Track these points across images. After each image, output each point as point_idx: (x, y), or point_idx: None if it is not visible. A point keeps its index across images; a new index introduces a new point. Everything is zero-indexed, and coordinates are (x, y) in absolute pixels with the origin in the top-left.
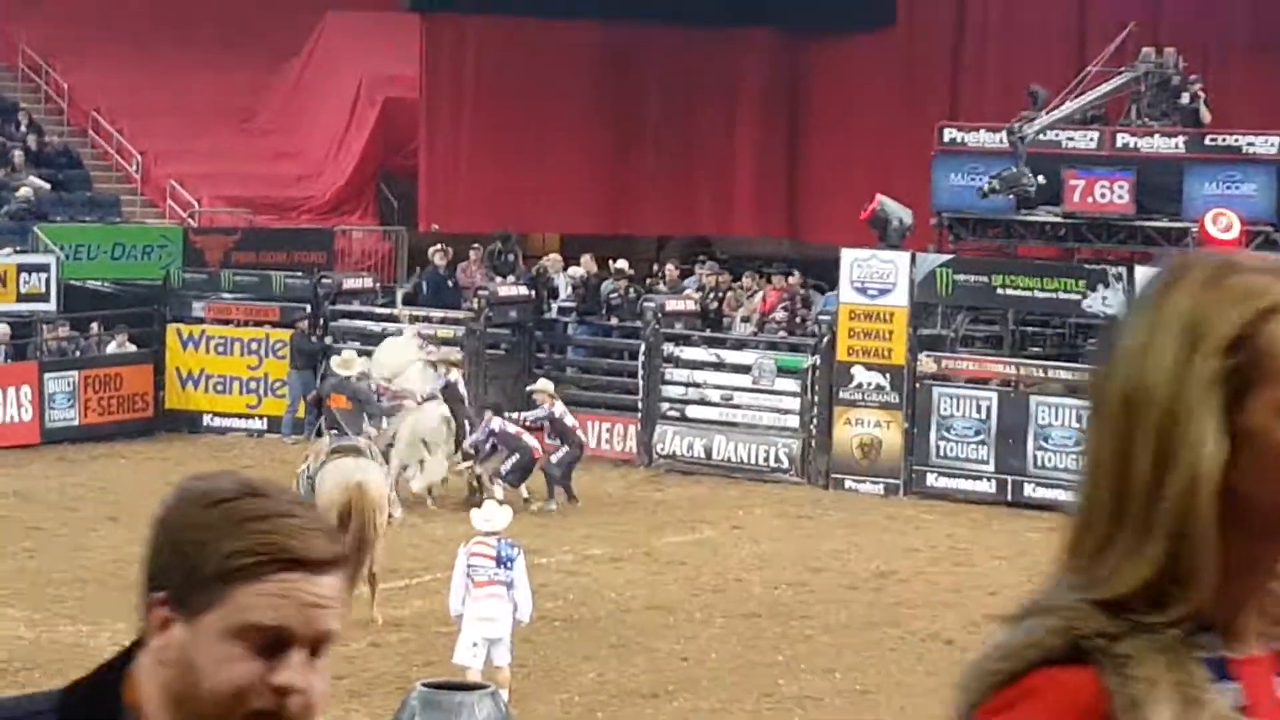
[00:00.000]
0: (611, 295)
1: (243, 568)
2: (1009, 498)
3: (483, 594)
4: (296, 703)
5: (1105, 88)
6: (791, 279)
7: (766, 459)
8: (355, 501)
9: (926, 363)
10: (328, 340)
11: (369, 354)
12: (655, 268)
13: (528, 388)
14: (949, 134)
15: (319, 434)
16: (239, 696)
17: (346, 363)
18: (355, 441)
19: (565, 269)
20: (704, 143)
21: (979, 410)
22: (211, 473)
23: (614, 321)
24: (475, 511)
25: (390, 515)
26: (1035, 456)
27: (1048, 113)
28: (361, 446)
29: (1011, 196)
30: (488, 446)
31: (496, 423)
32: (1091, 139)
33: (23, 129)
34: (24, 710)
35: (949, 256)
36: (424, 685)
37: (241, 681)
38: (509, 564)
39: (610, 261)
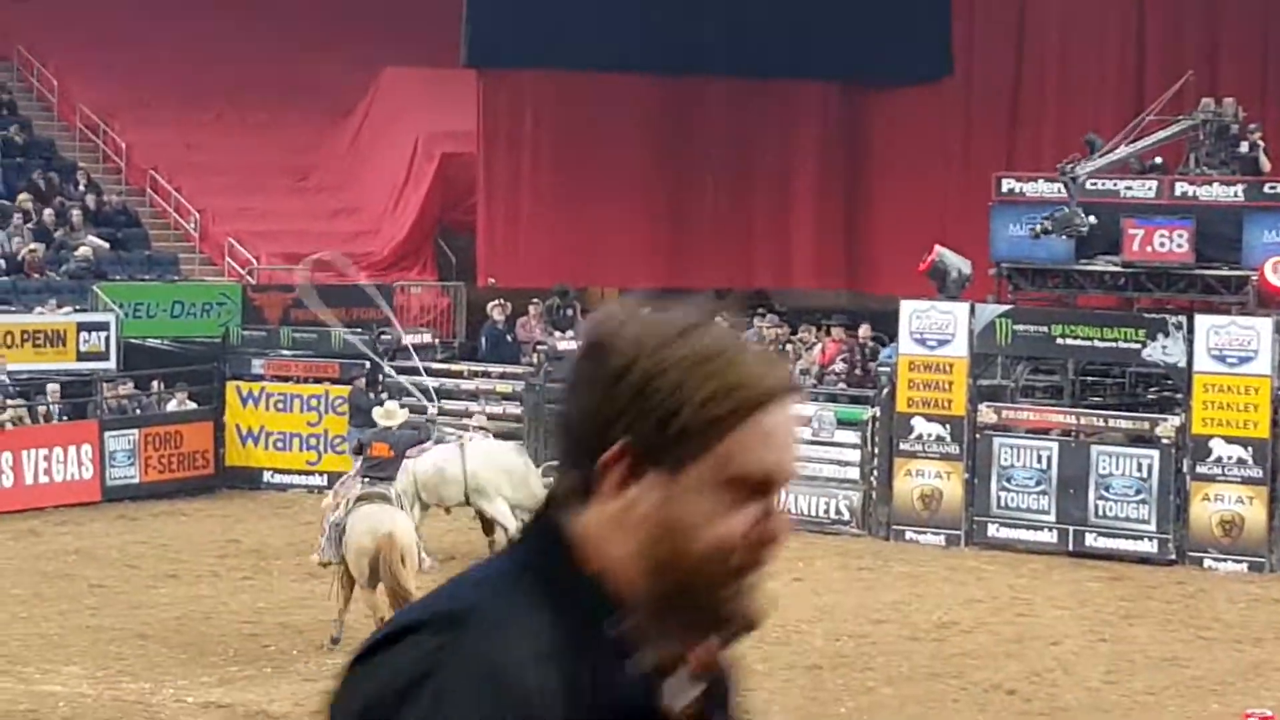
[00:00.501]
0: None
1: (727, 413)
2: (1070, 547)
3: None
4: (774, 551)
5: (1161, 134)
6: (862, 330)
7: (827, 511)
8: (385, 551)
9: (986, 413)
10: (384, 396)
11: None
12: None
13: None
14: (1007, 184)
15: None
16: (729, 551)
17: (389, 414)
18: (384, 489)
19: None
20: (762, 195)
21: (1039, 460)
22: (647, 312)
23: None
24: None
25: (421, 561)
26: (1096, 506)
27: (1101, 156)
28: (390, 494)
29: (1065, 236)
30: None
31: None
32: (1150, 188)
33: (81, 188)
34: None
35: (1008, 307)
36: None
37: (735, 535)
38: None
39: None
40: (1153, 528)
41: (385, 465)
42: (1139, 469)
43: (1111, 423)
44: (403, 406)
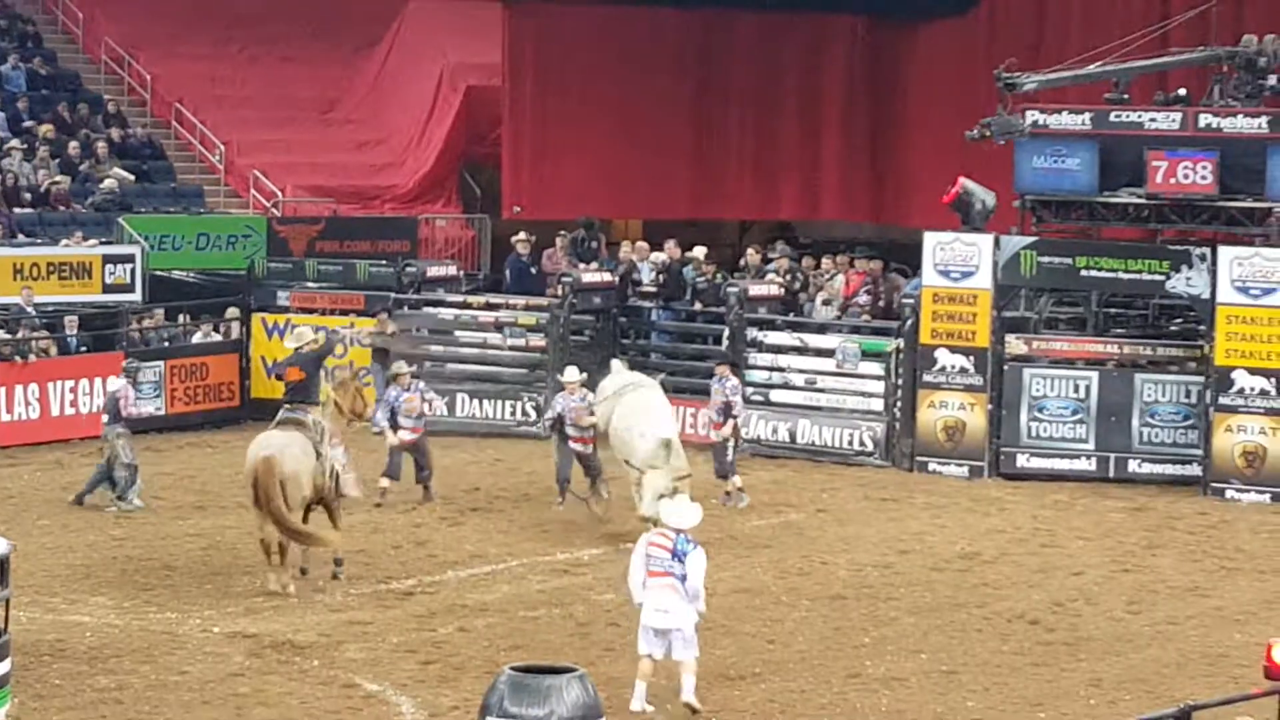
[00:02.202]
0: (696, 280)
1: None
2: (1110, 474)
3: (656, 584)
4: None
5: (1171, 59)
6: (874, 263)
7: (851, 442)
8: (260, 475)
9: (1015, 344)
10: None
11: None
12: (744, 253)
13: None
14: (1031, 116)
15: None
16: None
17: (298, 337)
18: (299, 414)
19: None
20: (788, 128)
21: (1076, 390)
22: None
23: (698, 307)
24: (667, 502)
25: (340, 492)
26: (1141, 433)
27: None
28: (306, 419)
29: (1004, 141)
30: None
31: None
32: (1174, 120)
33: (107, 121)
34: None
35: (1032, 239)
36: (512, 669)
37: None
38: (683, 558)
39: (693, 249)
40: (1201, 452)
41: (301, 388)
42: (1185, 394)
43: (1137, 351)
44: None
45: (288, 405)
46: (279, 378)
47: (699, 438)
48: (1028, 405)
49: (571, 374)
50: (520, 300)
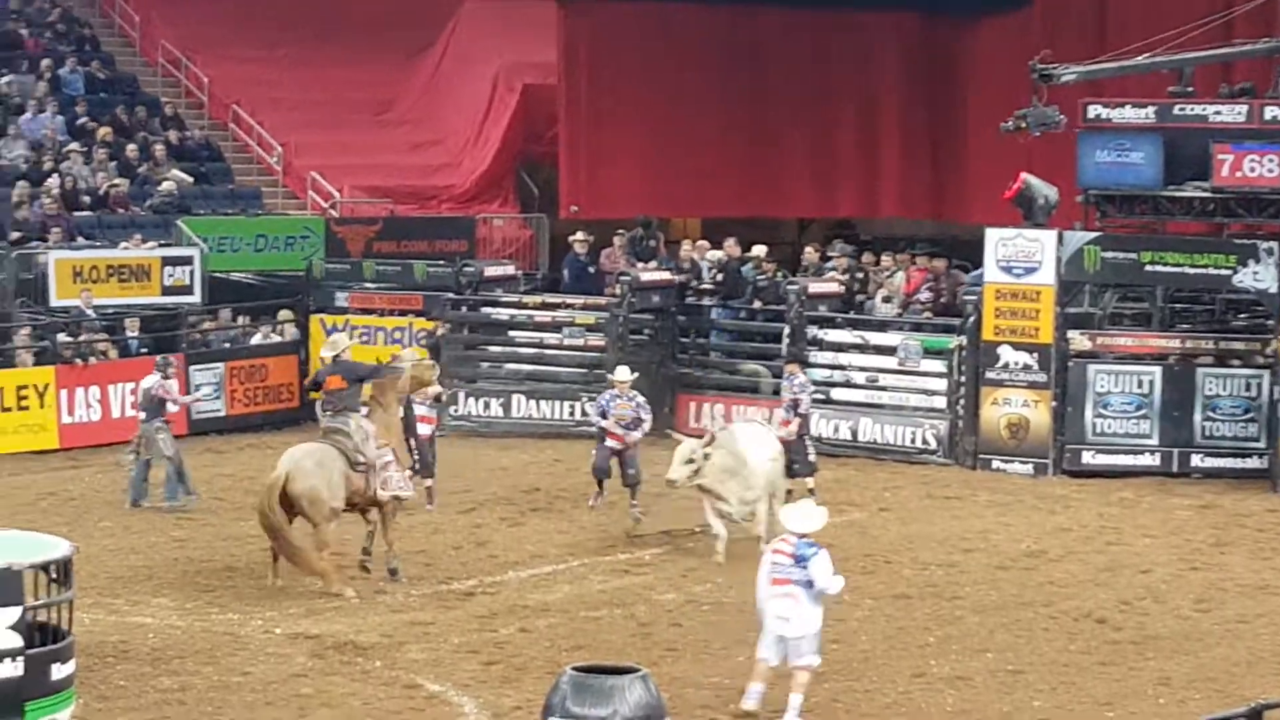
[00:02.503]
0: (757, 278)
1: None
2: (1174, 469)
3: (777, 592)
4: None
5: (1231, 50)
6: (936, 261)
7: (913, 440)
8: (268, 487)
9: (1079, 340)
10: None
11: None
12: (803, 252)
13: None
14: (1093, 110)
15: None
16: None
17: (333, 344)
18: (341, 422)
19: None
20: (847, 125)
21: (1140, 385)
22: None
23: (757, 305)
24: (789, 508)
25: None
26: (1203, 428)
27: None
28: (348, 427)
29: (1041, 132)
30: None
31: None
32: (1240, 113)
33: (164, 124)
34: None
35: (1096, 234)
36: (574, 669)
37: None
38: (805, 563)
39: (753, 248)
40: (1262, 444)
41: (341, 396)
42: (1246, 389)
43: (1221, 345)
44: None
45: (327, 413)
46: (317, 386)
47: None
48: (1092, 401)
49: (623, 373)
50: (578, 299)
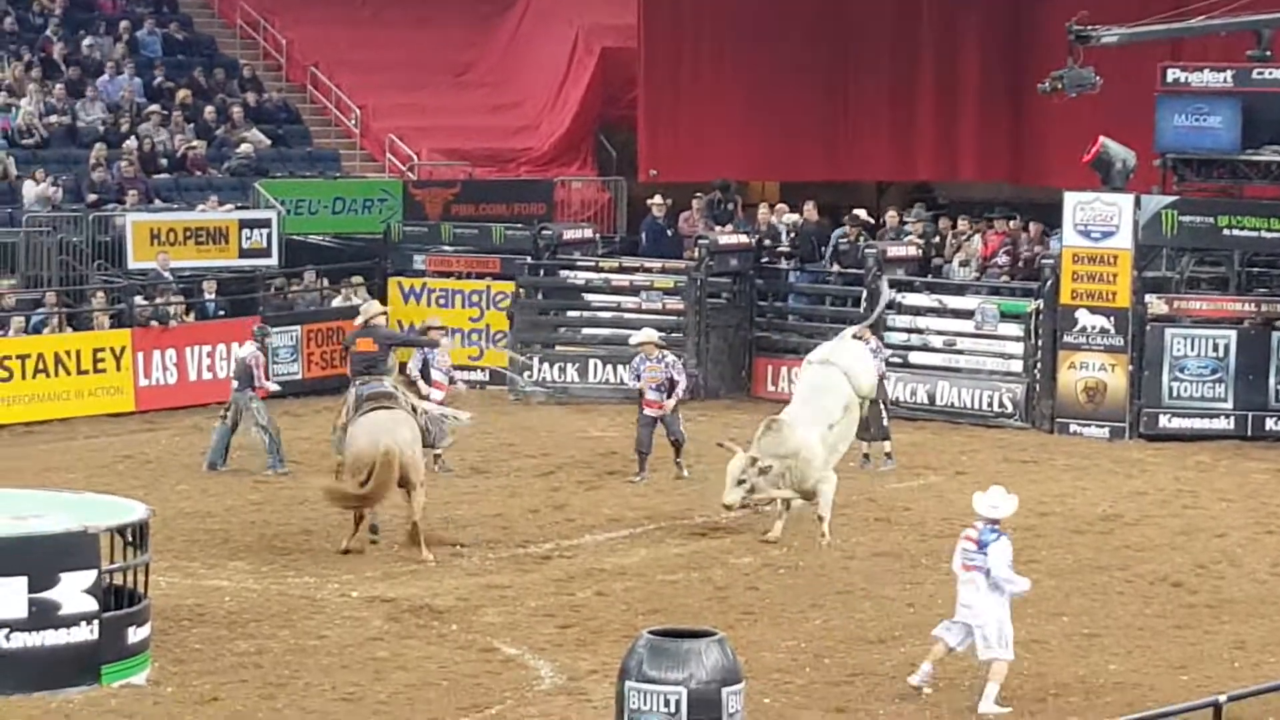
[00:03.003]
0: (841, 241)
1: None
2: (1249, 433)
3: (964, 578)
4: None
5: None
6: (1013, 223)
7: (990, 404)
8: (380, 467)
9: (1157, 304)
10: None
11: None
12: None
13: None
14: (1172, 74)
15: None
16: None
17: (366, 310)
18: (387, 387)
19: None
20: (925, 88)
21: (1215, 349)
22: None
23: (838, 268)
24: (980, 494)
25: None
26: (1277, 391)
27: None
28: (395, 392)
29: (1077, 93)
30: None
31: None
32: None
33: (242, 86)
34: None
35: (1173, 198)
36: (650, 633)
37: None
38: (984, 550)
39: (854, 210)
40: None
41: (373, 360)
42: None
43: None
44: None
45: (362, 379)
46: (347, 349)
47: None
48: (1169, 365)
49: (646, 334)
50: (656, 263)
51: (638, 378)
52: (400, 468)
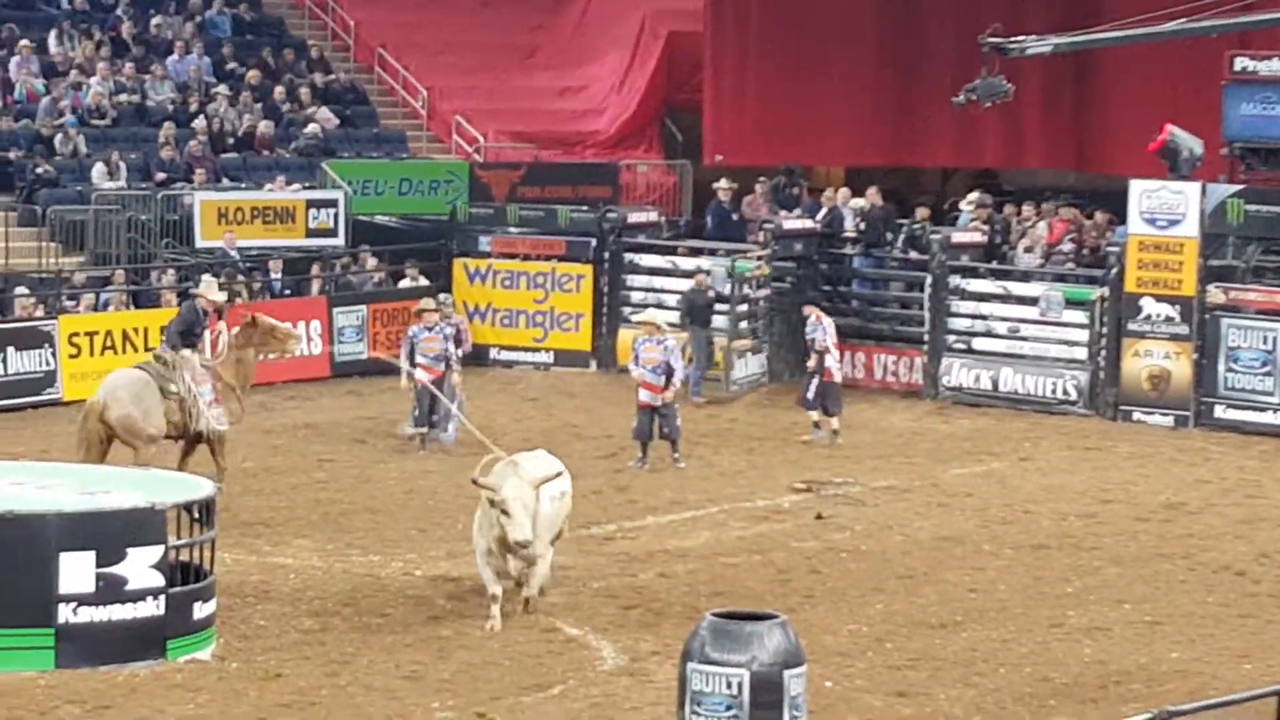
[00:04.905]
0: (913, 226)
1: None
2: None
3: None
4: None
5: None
6: (1078, 211)
7: (1054, 391)
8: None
9: (1215, 294)
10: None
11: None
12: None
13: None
14: (1240, 62)
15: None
16: None
17: (207, 286)
18: (163, 352)
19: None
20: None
21: (1265, 341)
22: None
23: (912, 254)
24: None
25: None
26: None
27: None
28: (169, 359)
29: (991, 104)
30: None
31: None
32: None
33: (310, 67)
34: None
35: (1240, 187)
36: (713, 615)
37: None
38: None
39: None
40: None
41: (169, 330)
42: None
43: None
44: None
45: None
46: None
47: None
48: (1224, 356)
49: (650, 314)
50: (721, 246)
51: (635, 359)
52: (110, 424)
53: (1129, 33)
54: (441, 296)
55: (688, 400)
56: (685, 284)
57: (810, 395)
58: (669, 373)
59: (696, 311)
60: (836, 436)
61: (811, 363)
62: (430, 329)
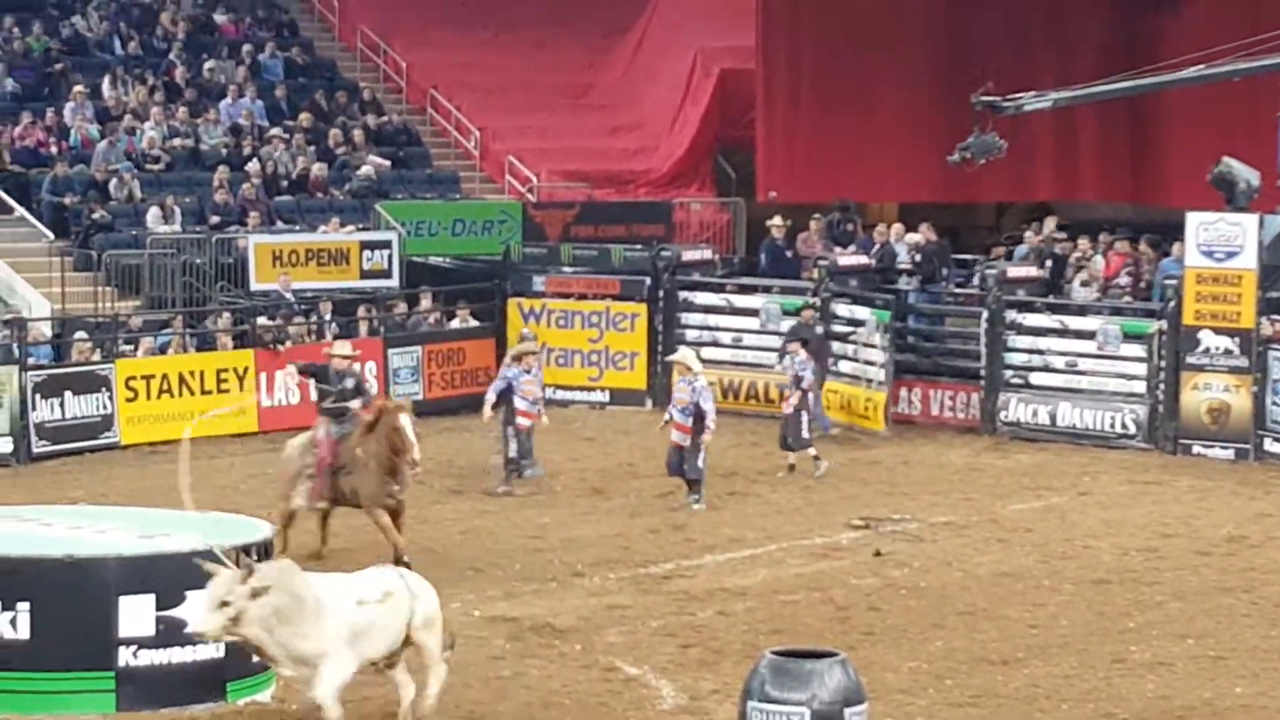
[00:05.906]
0: (987, 265)
1: None
2: None
3: None
4: None
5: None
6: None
7: (1113, 425)
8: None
9: (1267, 326)
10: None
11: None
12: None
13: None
14: None
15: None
16: None
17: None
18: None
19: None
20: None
21: None
22: None
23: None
24: None
25: None
26: None
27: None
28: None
29: (985, 161)
30: None
31: None
32: None
33: (363, 109)
34: None
35: None
36: (773, 653)
37: None
38: None
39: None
40: None
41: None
42: None
43: None
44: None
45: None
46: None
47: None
48: (1271, 388)
49: (680, 354)
50: (776, 284)
51: (671, 400)
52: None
53: (1137, 83)
54: (524, 332)
55: (821, 433)
56: (741, 321)
57: (806, 435)
58: (700, 415)
59: (805, 344)
60: (794, 470)
61: (795, 399)
62: (529, 371)
